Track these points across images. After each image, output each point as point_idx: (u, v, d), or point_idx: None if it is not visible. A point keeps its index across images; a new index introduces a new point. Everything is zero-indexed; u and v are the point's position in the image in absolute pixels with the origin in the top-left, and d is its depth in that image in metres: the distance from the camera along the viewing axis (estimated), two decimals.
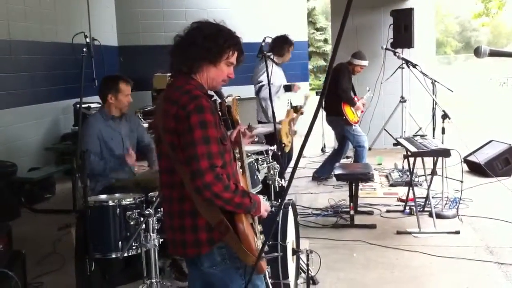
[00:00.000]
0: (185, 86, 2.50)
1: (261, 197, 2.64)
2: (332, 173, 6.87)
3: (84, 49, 3.78)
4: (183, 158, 2.41)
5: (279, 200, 4.30)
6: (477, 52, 2.42)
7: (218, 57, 2.55)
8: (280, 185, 4.48)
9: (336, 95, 7.18)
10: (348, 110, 7.26)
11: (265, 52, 5.14)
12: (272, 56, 6.27)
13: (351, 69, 7.39)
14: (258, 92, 6.31)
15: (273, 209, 3.82)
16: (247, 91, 6.61)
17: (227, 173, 2.47)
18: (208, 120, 2.39)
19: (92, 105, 8.10)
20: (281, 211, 3.77)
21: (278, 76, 6.36)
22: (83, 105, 7.80)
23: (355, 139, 7.36)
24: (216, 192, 2.34)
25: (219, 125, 2.48)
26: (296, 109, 6.54)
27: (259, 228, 2.63)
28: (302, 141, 1.79)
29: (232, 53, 2.58)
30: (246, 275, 2.50)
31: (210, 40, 2.51)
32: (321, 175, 7.75)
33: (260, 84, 6.22)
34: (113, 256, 3.67)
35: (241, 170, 2.83)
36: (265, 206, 2.61)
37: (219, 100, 7.00)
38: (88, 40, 3.85)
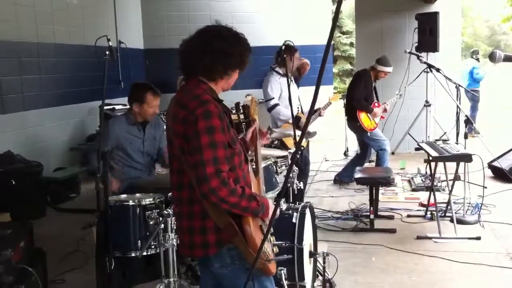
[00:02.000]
0: (194, 90, 2.53)
1: (270, 200, 2.65)
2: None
3: (107, 52, 3.84)
4: (190, 162, 2.45)
5: (297, 203, 4.32)
6: (492, 57, 2.42)
7: (246, 64, 2.63)
8: (298, 188, 4.50)
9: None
10: (364, 117, 7.23)
11: (283, 61, 5.14)
12: (276, 68, 6.20)
13: (373, 74, 7.35)
14: (269, 109, 6.23)
15: (290, 211, 3.86)
16: None
17: (236, 176, 2.50)
18: (215, 125, 2.41)
19: (117, 107, 8.23)
20: (299, 213, 3.80)
21: (284, 88, 6.25)
22: (108, 107, 8.00)
23: (376, 144, 7.35)
24: (222, 197, 2.37)
25: (227, 129, 2.50)
26: (315, 110, 6.55)
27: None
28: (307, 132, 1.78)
29: (248, 58, 2.64)
30: (252, 276, 2.51)
31: (239, 49, 2.57)
32: (343, 178, 7.74)
33: (273, 102, 6.11)
34: (133, 254, 3.74)
35: (255, 171, 2.84)
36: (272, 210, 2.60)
37: (242, 103, 7.04)
38: (110, 43, 3.91)
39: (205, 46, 2.54)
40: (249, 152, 2.88)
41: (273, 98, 6.08)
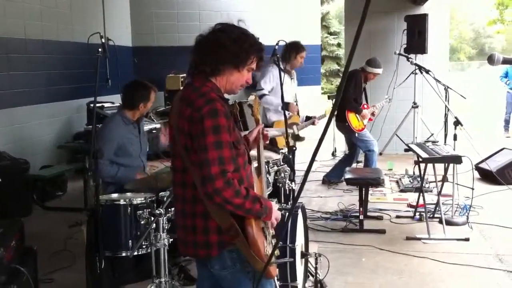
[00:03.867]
0: (201, 88, 2.49)
1: (273, 203, 2.63)
2: (343, 177, 6.85)
3: (100, 49, 3.81)
4: (195, 161, 2.41)
5: (289, 203, 4.32)
6: (491, 60, 2.42)
7: (243, 62, 2.55)
8: (290, 188, 4.49)
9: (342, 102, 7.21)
10: (352, 118, 7.23)
11: (277, 56, 5.16)
12: (278, 62, 6.23)
13: (363, 76, 7.36)
14: (259, 97, 6.24)
15: (282, 212, 3.84)
16: None
17: (240, 177, 2.46)
18: (222, 124, 2.38)
19: (106, 105, 8.17)
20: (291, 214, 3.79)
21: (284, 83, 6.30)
22: (97, 105, 7.91)
23: (364, 144, 7.36)
24: (226, 198, 2.33)
25: (233, 129, 2.46)
26: (309, 118, 6.56)
27: (271, 232, 2.62)
28: (316, 146, 1.76)
29: (255, 59, 2.59)
30: (254, 279, 2.48)
31: (238, 44, 2.51)
32: (331, 179, 7.75)
33: (261, 92, 6.16)
34: (123, 254, 3.72)
35: (258, 171, 2.81)
36: (276, 214, 2.59)
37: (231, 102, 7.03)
38: (103, 40, 3.88)
39: (212, 41, 2.51)
40: (251, 152, 2.84)
41: (263, 89, 6.12)
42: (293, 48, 6.28)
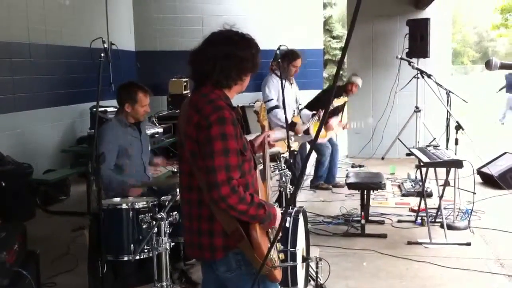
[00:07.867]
0: (210, 95, 2.52)
1: (278, 209, 2.65)
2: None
3: (102, 54, 3.84)
4: (202, 167, 2.45)
5: (290, 207, 4.33)
6: (488, 65, 2.45)
7: (255, 66, 2.60)
8: (291, 192, 4.51)
9: None
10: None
11: (279, 61, 5.17)
12: (276, 71, 6.26)
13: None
14: (268, 110, 6.18)
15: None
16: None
17: (246, 183, 2.51)
18: (229, 132, 2.41)
19: (109, 109, 8.20)
20: (292, 218, 3.81)
21: (286, 91, 6.32)
22: (100, 109, 7.95)
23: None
24: (231, 204, 2.38)
25: (240, 136, 2.50)
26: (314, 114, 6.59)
27: None
28: (308, 152, 1.78)
29: (259, 59, 2.63)
30: (257, 282, 2.49)
31: (245, 52, 2.54)
32: (316, 183, 7.82)
33: (272, 104, 6.20)
34: (125, 258, 3.75)
35: (263, 176, 2.84)
36: (280, 220, 2.61)
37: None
38: (106, 45, 3.91)
39: (217, 54, 2.52)
40: (256, 155, 2.86)
41: (272, 99, 6.17)
42: (286, 57, 6.21)
